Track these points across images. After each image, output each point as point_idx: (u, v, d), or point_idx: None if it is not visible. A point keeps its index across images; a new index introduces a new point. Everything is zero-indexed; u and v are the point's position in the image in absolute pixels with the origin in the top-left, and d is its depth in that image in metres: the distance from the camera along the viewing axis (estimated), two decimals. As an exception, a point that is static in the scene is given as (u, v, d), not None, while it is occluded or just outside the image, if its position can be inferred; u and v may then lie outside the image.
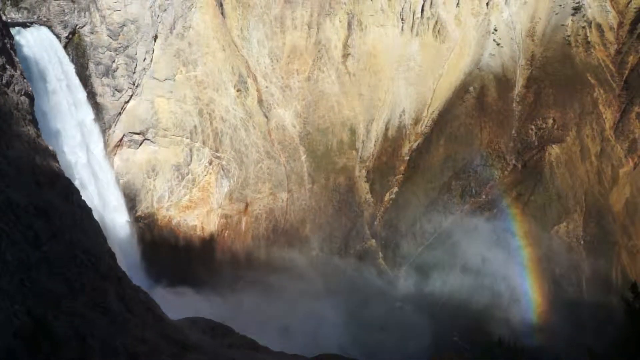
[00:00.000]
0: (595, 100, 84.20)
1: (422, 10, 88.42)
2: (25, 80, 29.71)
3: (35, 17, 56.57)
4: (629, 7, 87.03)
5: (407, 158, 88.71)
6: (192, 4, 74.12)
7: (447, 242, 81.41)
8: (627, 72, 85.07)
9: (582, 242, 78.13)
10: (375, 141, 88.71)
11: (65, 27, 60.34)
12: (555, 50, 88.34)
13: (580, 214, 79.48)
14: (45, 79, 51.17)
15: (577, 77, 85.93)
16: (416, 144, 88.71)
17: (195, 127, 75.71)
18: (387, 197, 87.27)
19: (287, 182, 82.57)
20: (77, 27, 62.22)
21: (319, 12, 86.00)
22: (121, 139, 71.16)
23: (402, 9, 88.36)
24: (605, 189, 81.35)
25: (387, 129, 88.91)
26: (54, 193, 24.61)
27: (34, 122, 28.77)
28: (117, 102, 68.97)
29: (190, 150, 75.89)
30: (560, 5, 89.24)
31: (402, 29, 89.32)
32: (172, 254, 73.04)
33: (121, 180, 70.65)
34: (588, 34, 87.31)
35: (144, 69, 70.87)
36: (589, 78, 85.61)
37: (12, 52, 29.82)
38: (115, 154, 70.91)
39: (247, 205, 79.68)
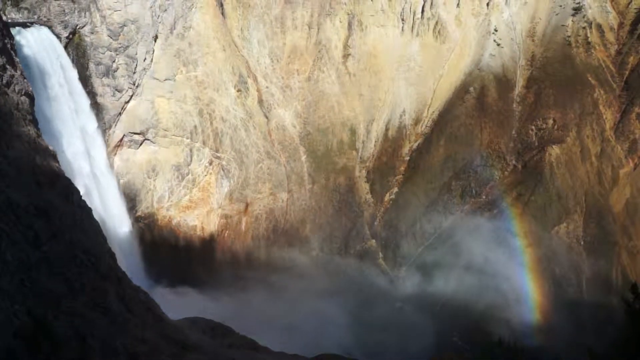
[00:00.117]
0: (596, 100, 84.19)
1: (423, 11, 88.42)
2: (25, 80, 29.71)
3: (36, 17, 56.58)
4: (630, 8, 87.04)
5: (407, 158, 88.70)
6: (193, 4, 74.12)
7: (448, 242, 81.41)
8: (627, 72, 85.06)
9: (582, 243, 78.13)
10: (375, 141, 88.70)
11: (65, 27, 60.35)
12: (555, 50, 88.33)
13: (580, 215, 79.47)
14: (44, 82, 51.18)
15: (578, 78, 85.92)
16: (416, 144, 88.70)
17: (195, 127, 75.72)
18: (387, 198, 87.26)
19: (287, 182, 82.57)
20: (78, 27, 62.24)
21: (319, 12, 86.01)
22: (121, 139, 71.17)
23: (403, 9, 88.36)
24: (605, 190, 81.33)
25: (387, 129, 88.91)
26: (54, 193, 24.61)
27: (34, 122, 28.77)
28: (118, 102, 68.97)
29: (191, 150, 75.90)
30: (561, 6, 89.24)
31: (402, 29, 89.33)
32: (172, 254, 73.06)
33: (121, 181, 70.68)
34: (588, 35, 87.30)
35: (144, 69, 70.88)
36: (590, 78, 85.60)
37: (12, 52, 29.82)
38: (115, 154, 70.92)
39: (247, 206, 79.68)
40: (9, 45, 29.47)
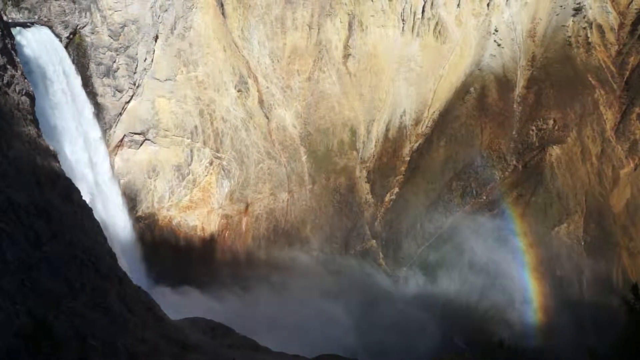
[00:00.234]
0: (596, 101, 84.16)
1: (423, 11, 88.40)
2: (26, 80, 29.74)
3: (36, 17, 56.60)
4: (630, 8, 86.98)
5: (407, 159, 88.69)
6: (193, 5, 74.14)
7: (448, 242, 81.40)
8: (628, 73, 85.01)
9: (582, 243, 78.05)
10: (375, 142, 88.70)
11: (66, 28, 60.37)
12: (556, 51, 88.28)
13: (580, 215, 79.43)
14: (45, 83, 51.19)
15: (578, 78, 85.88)
16: (417, 144, 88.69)
17: (196, 127, 75.74)
18: (387, 198, 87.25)
19: (287, 182, 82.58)
20: (78, 27, 62.26)
21: (319, 12, 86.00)
22: (122, 139, 71.20)
23: (403, 9, 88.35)
24: (606, 190, 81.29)
25: (387, 130, 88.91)
26: (55, 193, 24.63)
27: (35, 122, 28.79)
28: (118, 103, 69.00)
29: (191, 150, 75.93)
30: (561, 6, 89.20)
31: (402, 30, 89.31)
32: (173, 254, 73.08)
33: (122, 181, 70.71)
34: (589, 35, 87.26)
35: (145, 69, 70.91)
36: (590, 79, 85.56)
37: (13, 52, 29.85)
38: (116, 154, 70.95)
39: (247, 206, 79.71)
40: (9, 46, 29.49)
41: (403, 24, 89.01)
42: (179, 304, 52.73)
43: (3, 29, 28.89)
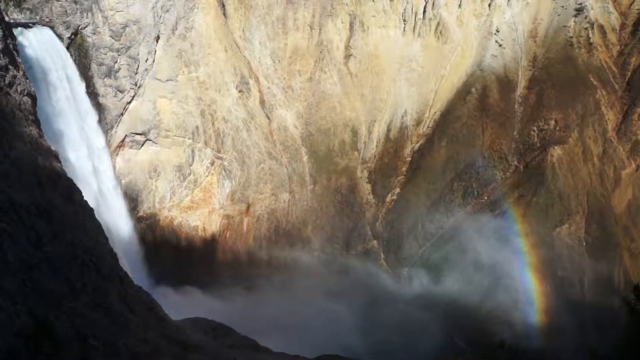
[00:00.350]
0: (598, 101, 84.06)
1: (424, 11, 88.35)
2: (27, 80, 29.76)
3: (38, 17, 56.70)
4: (632, 9, 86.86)
5: (408, 159, 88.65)
6: (194, 5, 74.20)
7: (449, 243, 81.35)
8: (629, 73, 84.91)
9: (584, 244, 77.94)
10: (377, 142, 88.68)
11: (67, 28, 60.47)
12: (557, 51, 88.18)
13: (582, 216, 79.32)
14: (47, 85, 51.19)
15: (580, 79, 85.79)
16: (418, 145, 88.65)
17: (197, 127, 75.78)
18: (388, 198, 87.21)
19: (288, 182, 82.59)
20: (80, 27, 62.36)
21: (321, 13, 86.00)
22: (123, 140, 71.28)
23: (404, 10, 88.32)
24: (607, 191, 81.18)
25: (389, 130, 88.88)
26: (56, 193, 24.66)
27: (36, 123, 28.81)
28: (119, 103, 69.08)
29: (192, 150, 75.97)
30: (563, 7, 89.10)
31: (404, 30, 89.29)
32: (174, 254, 73.15)
33: (123, 181, 70.78)
34: (590, 35, 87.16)
35: (146, 69, 70.98)
36: (592, 79, 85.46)
37: (14, 52, 29.88)
38: (117, 154, 71.02)
39: (248, 206, 79.73)
40: (11, 46, 29.53)
41: (404, 24, 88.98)
42: (180, 304, 52.75)
43: (5, 29, 28.92)
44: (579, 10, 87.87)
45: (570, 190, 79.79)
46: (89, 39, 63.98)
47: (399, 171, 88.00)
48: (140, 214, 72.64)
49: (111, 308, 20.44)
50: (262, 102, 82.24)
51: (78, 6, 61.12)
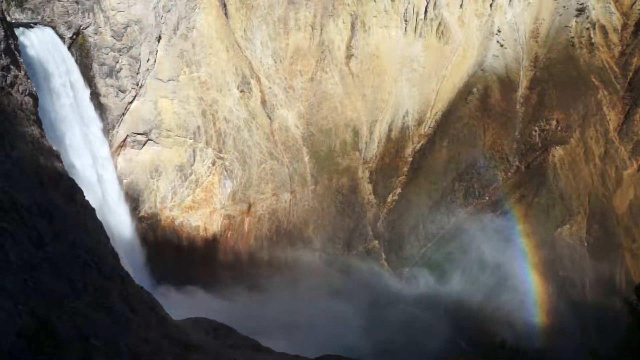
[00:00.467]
0: (599, 101, 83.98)
1: (426, 12, 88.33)
2: (29, 80, 29.78)
3: (40, 17, 56.74)
4: (633, 9, 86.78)
5: (410, 159, 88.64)
6: (196, 5, 74.24)
7: (451, 243, 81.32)
8: (631, 73, 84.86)
9: (585, 244, 77.87)
10: (378, 142, 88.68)
11: (69, 28, 60.52)
12: (559, 51, 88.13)
13: (583, 216, 79.24)
14: (49, 86, 51.14)
15: (581, 79, 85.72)
16: (419, 145, 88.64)
17: (198, 127, 75.82)
18: (390, 198, 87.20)
19: (290, 182, 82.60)
20: (81, 27, 62.41)
21: (322, 13, 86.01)
22: (124, 140, 71.32)
23: (406, 10, 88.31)
24: (609, 191, 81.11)
25: (390, 130, 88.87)
26: (58, 193, 24.68)
27: (38, 122, 28.83)
28: (121, 103, 69.13)
29: (194, 150, 76.01)
30: (564, 7, 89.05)
31: (405, 30, 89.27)
32: (175, 254, 73.17)
33: (124, 181, 70.83)
34: (592, 36, 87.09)
35: (148, 69, 71.02)
36: (593, 80, 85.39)
37: (16, 52, 29.91)
38: (118, 154, 71.07)
39: (250, 206, 79.75)
40: (12, 46, 29.56)
41: (405, 24, 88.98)
42: (181, 304, 52.80)
43: (6, 29, 28.96)
44: (581, 11, 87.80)
45: (572, 191, 79.72)
46: (91, 39, 64.04)
47: (400, 171, 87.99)
48: (142, 214, 72.70)
49: (113, 308, 20.45)
50: (263, 102, 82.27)
51: (80, 6, 61.17)
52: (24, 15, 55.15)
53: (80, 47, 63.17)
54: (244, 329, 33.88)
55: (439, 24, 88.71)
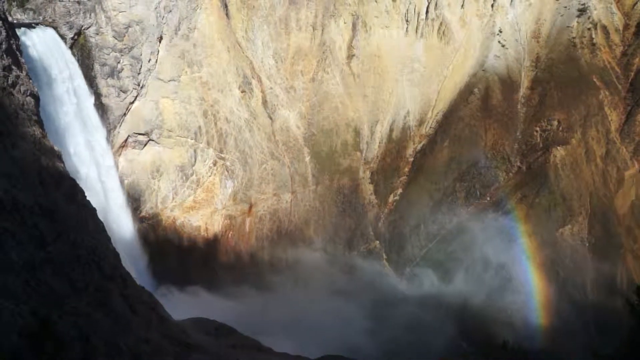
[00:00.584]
0: (601, 102, 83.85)
1: (427, 12, 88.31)
2: (30, 80, 29.82)
3: (41, 18, 56.78)
4: (635, 9, 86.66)
5: (411, 159, 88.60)
6: (197, 5, 74.28)
7: (452, 243, 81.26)
8: (632, 74, 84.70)
9: (587, 245, 77.75)
10: (379, 142, 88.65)
11: (70, 28, 60.55)
12: (560, 52, 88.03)
13: (585, 217, 79.11)
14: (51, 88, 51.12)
15: (583, 79, 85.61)
16: (420, 145, 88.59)
17: (199, 128, 75.84)
18: (391, 199, 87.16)
19: (291, 183, 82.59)
20: (83, 28, 62.44)
21: (323, 13, 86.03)
22: (126, 140, 71.34)
23: (407, 10, 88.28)
24: (610, 192, 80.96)
25: (391, 130, 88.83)
26: (59, 193, 24.71)
27: (40, 123, 28.87)
28: (122, 103, 69.16)
29: (195, 151, 76.01)
30: (566, 7, 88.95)
31: (406, 31, 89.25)
32: (176, 254, 73.16)
33: (126, 181, 70.83)
34: (593, 36, 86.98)
35: (149, 69, 71.05)
36: (595, 80, 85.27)
37: (17, 52, 29.95)
38: (119, 154, 71.09)
39: (251, 206, 79.74)
40: (14, 46, 29.60)
41: (407, 24, 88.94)
42: (182, 304, 52.79)
43: (8, 29, 28.99)
44: (582, 11, 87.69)
45: (573, 191, 79.61)
46: (92, 39, 64.06)
47: (401, 172, 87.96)
48: (143, 214, 72.71)
49: (113, 308, 20.47)
50: (264, 102, 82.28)
51: (81, 6, 61.20)
52: (26, 16, 55.19)
53: (81, 48, 63.21)
54: (245, 329, 33.90)
55: (440, 24, 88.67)
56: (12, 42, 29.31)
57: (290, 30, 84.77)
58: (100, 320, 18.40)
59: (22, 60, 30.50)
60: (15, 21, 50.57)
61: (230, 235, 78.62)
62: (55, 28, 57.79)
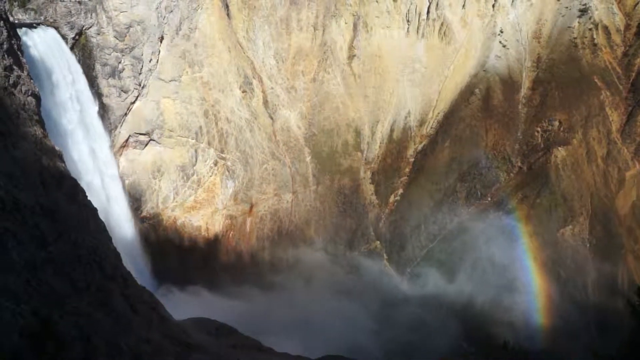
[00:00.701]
0: (602, 102, 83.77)
1: (428, 12, 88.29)
2: (31, 80, 29.85)
3: (42, 18, 56.85)
4: (636, 10, 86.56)
5: (412, 160, 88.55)
6: (198, 5, 74.32)
7: (452, 244, 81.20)
8: (633, 74, 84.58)
9: (588, 245, 77.66)
10: (380, 143, 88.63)
11: (72, 28, 60.63)
12: (561, 52, 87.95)
13: (586, 217, 79.03)
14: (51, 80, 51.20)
15: (584, 79, 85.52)
16: (421, 145, 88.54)
17: (200, 128, 75.89)
18: (392, 199, 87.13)
19: (292, 183, 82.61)
20: (84, 28, 62.52)
21: (324, 13, 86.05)
22: (127, 140, 71.42)
23: (408, 10, 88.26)
24: (611, 192, 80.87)
25: (392, 131, 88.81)
26: (60, 193, 24.73)
27: (41, 123, 28.89)
28: (123, 103, 69.23)
29: (196, 151, 76.07)
30: (567, 7, 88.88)
31: (407, 31, 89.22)
32: (177, 254, 73.22)
33: (127, 181, 70.91)
34: (595, 36, 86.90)
35: (150, 69, 71.11)
36: (596, 80, 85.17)
37: (19, 53, 29.98)
38: (121, 154, 71.16)
39: (251, 206, 79.77)
40: (15, 46, 29.63)
41: (408, 25, 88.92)
42: (183, 304, 52.83)
43: (9, 29, 29.02)
44: (583, 11, 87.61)
45: (574, 192, 79.53)
46: (93, 40, 64.14)
47: (402, 172, 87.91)
48: (144, 214, 72.78)
49: (114, 308, 20.48)
50: (265, 102, 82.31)
51: (82, 7, 61.27)
52: (27, 16, 55.27)
53: (82, 48, 63.28)
54: (246, 329, 33.92)
55: (441, 24, 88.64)
56: (13, 42, 29.34)
57: (291, 30, 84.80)
58: (101, 320, 18.42)
59: (24, 60, 30.53)
60: (16, 21, 50.65)
61: (231, 235, 78.67)
62: (56, 28, 57.89)
